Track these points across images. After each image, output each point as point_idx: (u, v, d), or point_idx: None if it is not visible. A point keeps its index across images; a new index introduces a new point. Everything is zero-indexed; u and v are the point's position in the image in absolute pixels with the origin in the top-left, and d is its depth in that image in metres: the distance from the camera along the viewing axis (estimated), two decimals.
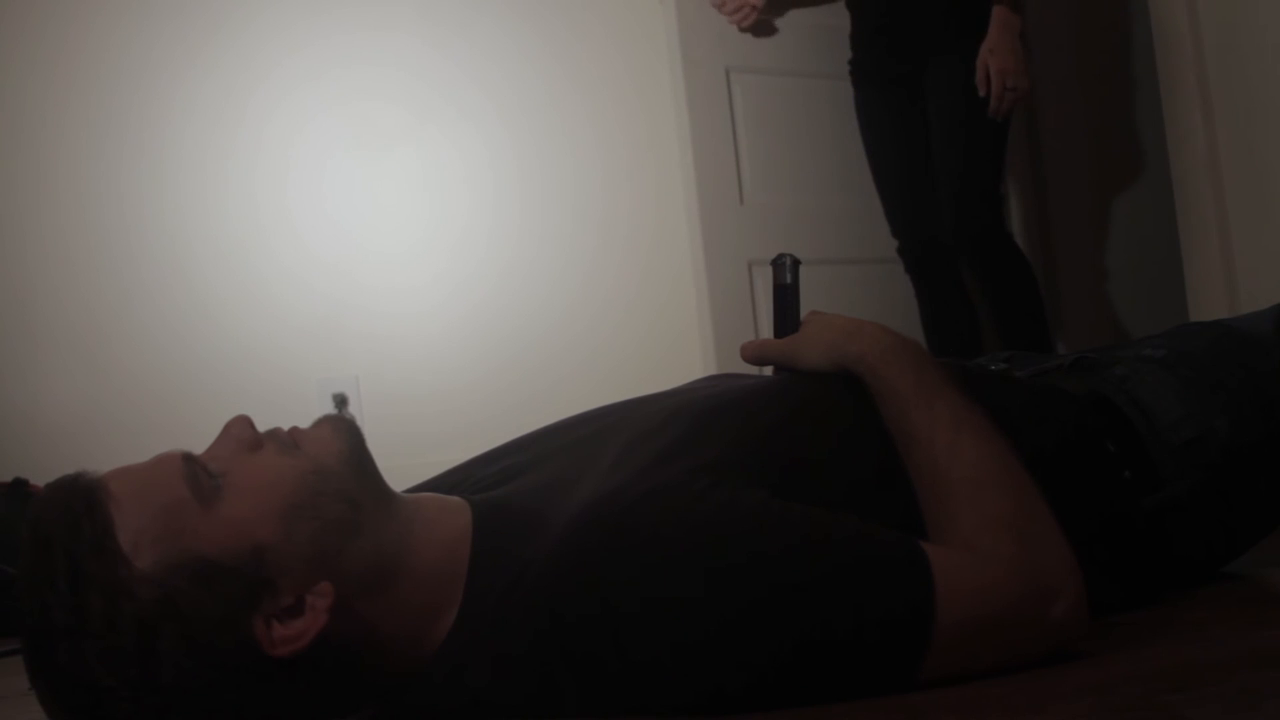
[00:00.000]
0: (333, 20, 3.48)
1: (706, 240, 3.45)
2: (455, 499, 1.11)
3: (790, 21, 3.58)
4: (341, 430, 1.04)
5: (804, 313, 1.25)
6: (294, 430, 1.04)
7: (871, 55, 3.26)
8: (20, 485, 2.71)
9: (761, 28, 3.55)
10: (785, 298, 1.26)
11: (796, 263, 1.26)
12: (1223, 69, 2.83)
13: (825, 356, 1.18)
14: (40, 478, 2.38)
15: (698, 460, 1.05)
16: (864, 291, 3.47)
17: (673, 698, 0.97)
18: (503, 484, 1.17)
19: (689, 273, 3.54)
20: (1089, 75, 4.10)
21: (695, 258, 3.50)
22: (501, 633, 1.01)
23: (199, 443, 1.03)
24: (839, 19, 3.39)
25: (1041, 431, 1.20)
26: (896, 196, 3.28)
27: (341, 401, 3.39)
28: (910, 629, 0.96)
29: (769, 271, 1.28)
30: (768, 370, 1.27)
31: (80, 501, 0.94)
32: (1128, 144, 4.05)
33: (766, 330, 3.22)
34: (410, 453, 3.07)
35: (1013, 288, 3.13)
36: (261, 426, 1.03)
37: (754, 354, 1.24)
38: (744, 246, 3.46)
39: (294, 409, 2.48)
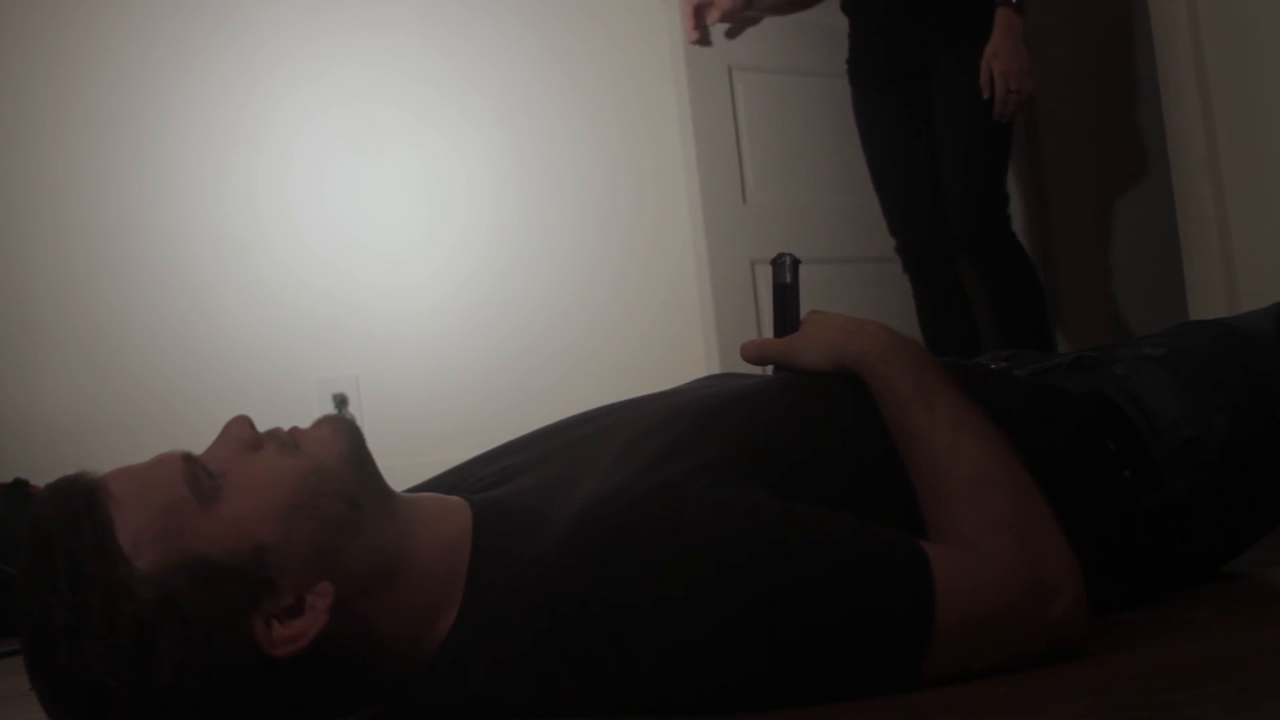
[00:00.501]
0: (333, 20, 3.48)
1: (709, 239, 3.46)
2: (455, 499, 1.11)
3: (793, 19, 3.58)
4: (341, 430, 1.04)
5: (804, 312, 1.25)
6: (294, 430, 1.04)
7: (871, 55, 3.25)
8: (20, 485, 2.71)
9: (764, 26, 3.54)
10: (785, 297, 1.26)
11: (796, 262, 1.26)
12: (1223, 69, 2.84)
13: (825, 356, 1.18)
14: (40, 478, 2.38)
15: (697, 460, 1.05)
16: (864, 291, 3.47)
17: (673, 697, 0.97)
18: (503, 484, 1.17)
19: (690, 271, 3.54)
20: (1088, 75, 4.10)
21: (698, 256, 3.50)
22: (502, 632, 1.01)
23: (199, 443, 1.03)
24: (842, 17, 3.38)
25: (1041, 431, 1.20)
26: (895, 196, 3.27)
27: (341, 401, 3.39)
28: (910, 628, 0.96)
29: (770, 270, 1.28)
30: (768, 370, 1.27)
31: (80, 501, 0.94)
32: (1128, 144, 4.05)
33: (769, 329, 3.20)
34: (410, 452, 3.07)
35: (1015, 288, 3.13)
36: (261, 426, 1.03)
37: (754, 353, 1.24)
38: (746, 245, 3.46)
39: (294, 409, 2.49)
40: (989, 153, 3.10)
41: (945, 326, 3.22)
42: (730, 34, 3.38)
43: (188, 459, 0.98)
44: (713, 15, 3.27)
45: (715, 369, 3.30)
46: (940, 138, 3.13)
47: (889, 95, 3.22)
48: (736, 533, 0.98)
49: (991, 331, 3.24)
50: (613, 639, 0.97)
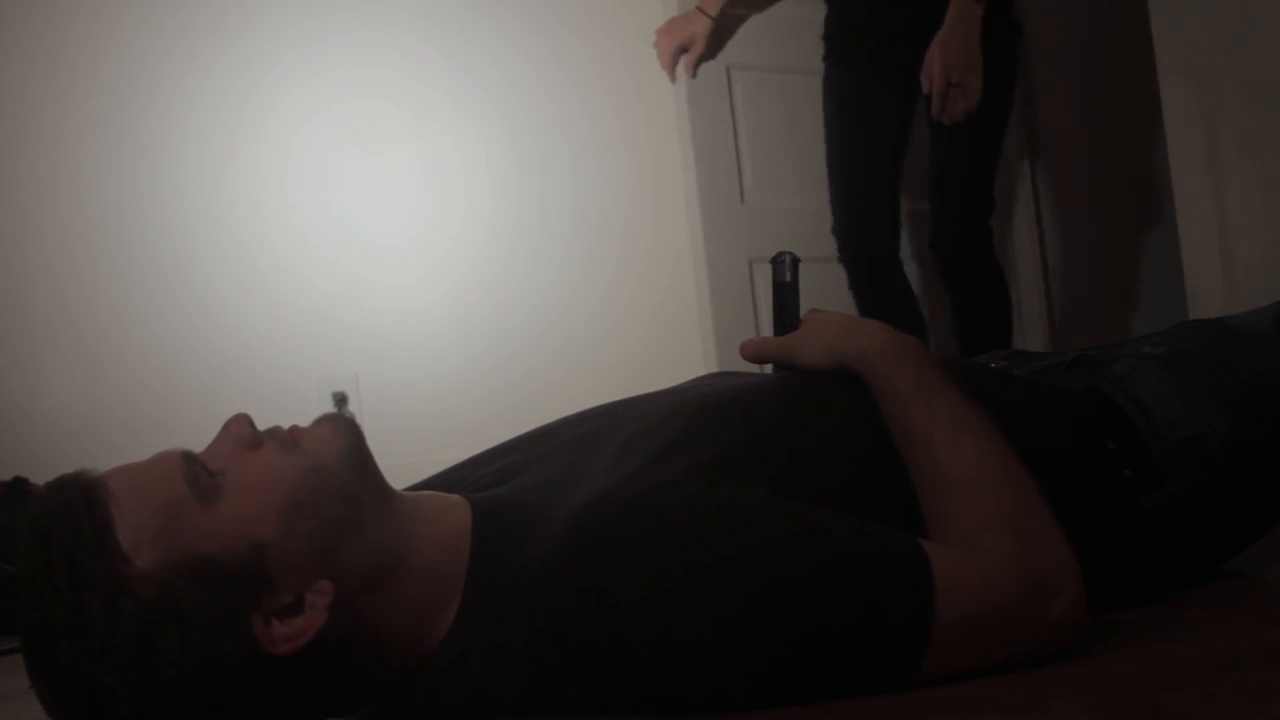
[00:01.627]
0: (333, 19, 3.48)
1: (707, 238, 3.45)
2: (455, 497, 1.11)
3: (790, 19, 3.57)
4: (341, 428, 1.04)
5: (804, 311, 1.25)
6: (294, 428, 1.04)
7: (853, 37, 3.03)
8: (20, 484, 2.71)
9: (761, 26, 3.54)
10: (785, 296, 1.26)
11: (796, 261, 1.26)
12: (1223, 69, 2.83)
13: (825, 354, 1.18)
14: (40, 477, 2.37)
15: (696, 459, 1.05)
16: None
17: (672, 694, 0.97)
18: (502, 482, 1.17)
19: (689, 271, 3.54)
20: (1088, 73, 4.10)
21: (696, 256, 3.50)
22: (502, 629, 1.01)
23: (199, 441, 1.03)
24: None
25: (1041, 430, 1.20)
26: (855, 191, 3.03)
27: (341, 400, 3.39)
28: (910, 627, 0.96)
29: (769, 269, 1.28)
30: (767, 368, 1.27)
31: (80, 500, 0.94)
32: (1127, 142, 4.04)
33: (767, 328, 3.19)
34: (410, 451, 3.07)
35: (983, 300, 2.97)
36: (261, 425, 1.03)
37: (754, 352, 1.24)
38: (744, 244, 3.46)
39: (294, 407, 2.48)
40: (973, 158, 2.92)
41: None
42: (720, 34, 3.38)
43: (187, 457, 0.98)
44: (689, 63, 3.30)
45: (713, 368, 3.29)
46: (930, 139, 3.02)
47: (867, 82, 2.99)
48: (735, 530, 0.98)
49: (943, 336, 3.10)
50: (612, 636, 0.97)
